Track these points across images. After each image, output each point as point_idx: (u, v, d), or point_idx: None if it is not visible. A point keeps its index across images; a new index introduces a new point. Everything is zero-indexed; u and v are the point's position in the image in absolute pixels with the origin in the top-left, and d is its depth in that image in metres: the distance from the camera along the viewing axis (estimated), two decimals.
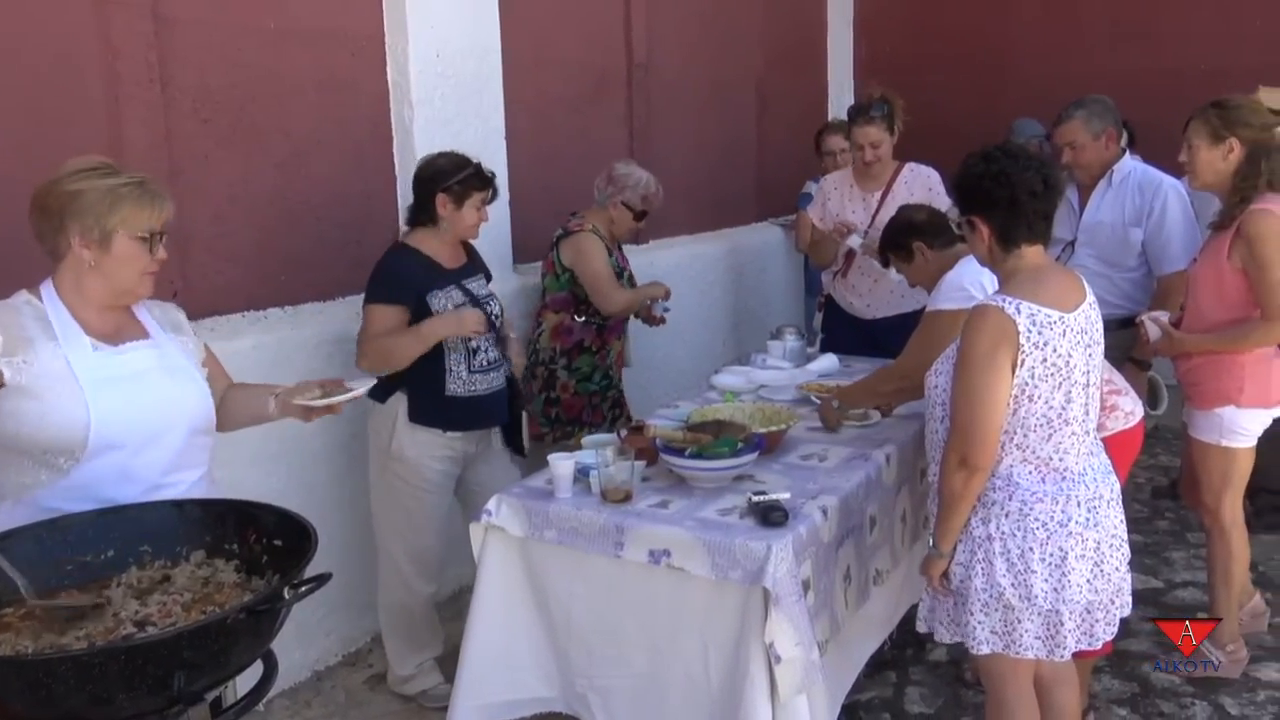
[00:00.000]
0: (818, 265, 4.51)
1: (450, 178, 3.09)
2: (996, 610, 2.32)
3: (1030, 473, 2.29)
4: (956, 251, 3.08)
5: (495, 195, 3.22)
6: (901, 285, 4.10)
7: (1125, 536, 2.40)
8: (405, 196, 3.82)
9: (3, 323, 1.96)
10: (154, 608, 1.74)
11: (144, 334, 2.13)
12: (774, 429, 2.96)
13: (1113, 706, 3.17)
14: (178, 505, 1.99)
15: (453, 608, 3.70)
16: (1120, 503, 2.40)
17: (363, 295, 3.62)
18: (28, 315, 1.99)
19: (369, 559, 3.64)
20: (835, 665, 2.65)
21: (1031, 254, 2.31)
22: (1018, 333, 2.18)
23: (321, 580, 1.73)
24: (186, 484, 2.11)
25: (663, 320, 4.05)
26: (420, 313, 3.06)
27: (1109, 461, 2.44)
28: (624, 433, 2.93)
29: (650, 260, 5.16)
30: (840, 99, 7.19)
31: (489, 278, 3.37)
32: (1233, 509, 3.24)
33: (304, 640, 3.42)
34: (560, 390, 3.90)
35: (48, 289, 2.03)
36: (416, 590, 3.24)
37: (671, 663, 2.49)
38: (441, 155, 3.18)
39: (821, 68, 7.14)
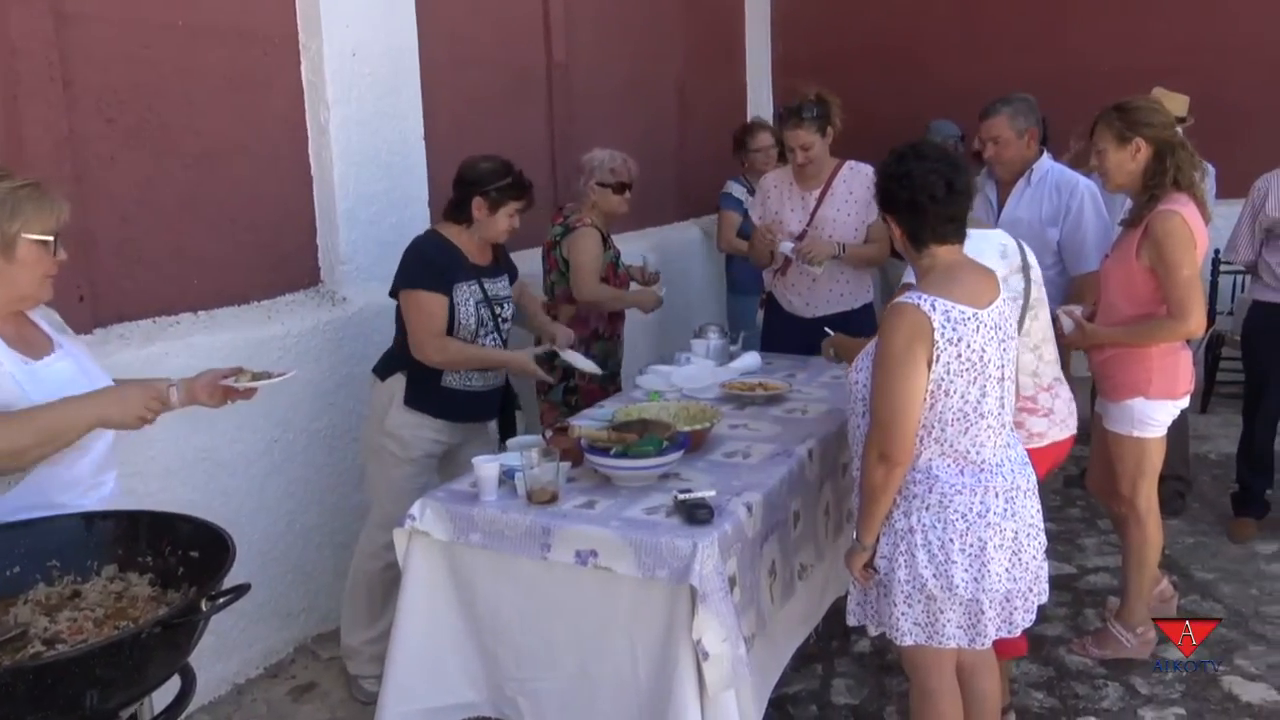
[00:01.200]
0: (756, 264, 4.52)
1: (489, 183, 3.17)
2: (919, 601, 2.37)
3: (949, 466, 2.34)
4: None
5: (531, 204, 3.28)
6: (840, 284, 4.15)
7: (1042, 526, 2.47)
8: (322, 197, 3.78)
9: None
10: (64, 624, 1.69)
11: (48, 340, 2.09)
12: (698, 427, 2.98)
13: (1030, 690, 3.26)
14: (86, 518, 1.93)
15: None
16: (1036, 493, 2.47)
17: (282, 297, 3.56)
18: None
19: (290, 567, 3.59)
20: (762, 660, 2.68)
21: (944, 252, 2.36)
22: (933, 329, 2.23)
23: (240, 591, 1.69)
24: (110, 482, 2.15)
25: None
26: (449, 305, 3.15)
27: (1025, 453, 2.49)
28: (549, 434, 2.92)
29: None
30: (759, 98, 7.28)
31: (514, 278, 3.47)
32: (1148, 497, 3.34)
33: (224, 653, 3.35)
34: (578, 379, 4.01)
35: None
36: (381, 559, 3.25)
37: (600, 663, 2.49)
38: (485, 159, 3.24)
39: (740, 67, 7.20)
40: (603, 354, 4.09)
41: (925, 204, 2.31)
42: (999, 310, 2.35)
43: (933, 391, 2.27)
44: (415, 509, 2.62)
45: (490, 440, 3.44)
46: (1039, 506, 2.46)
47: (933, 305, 2.25)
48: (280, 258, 3.68)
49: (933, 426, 2.31)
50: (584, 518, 2.50)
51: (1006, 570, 2.34)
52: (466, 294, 3.18)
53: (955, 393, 2.28)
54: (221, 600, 1.66)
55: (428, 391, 3.20)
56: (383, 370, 3.27)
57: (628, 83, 5.75)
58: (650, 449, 2.69)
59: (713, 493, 2.54)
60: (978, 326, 2.27)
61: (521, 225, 3.30)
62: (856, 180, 4.16)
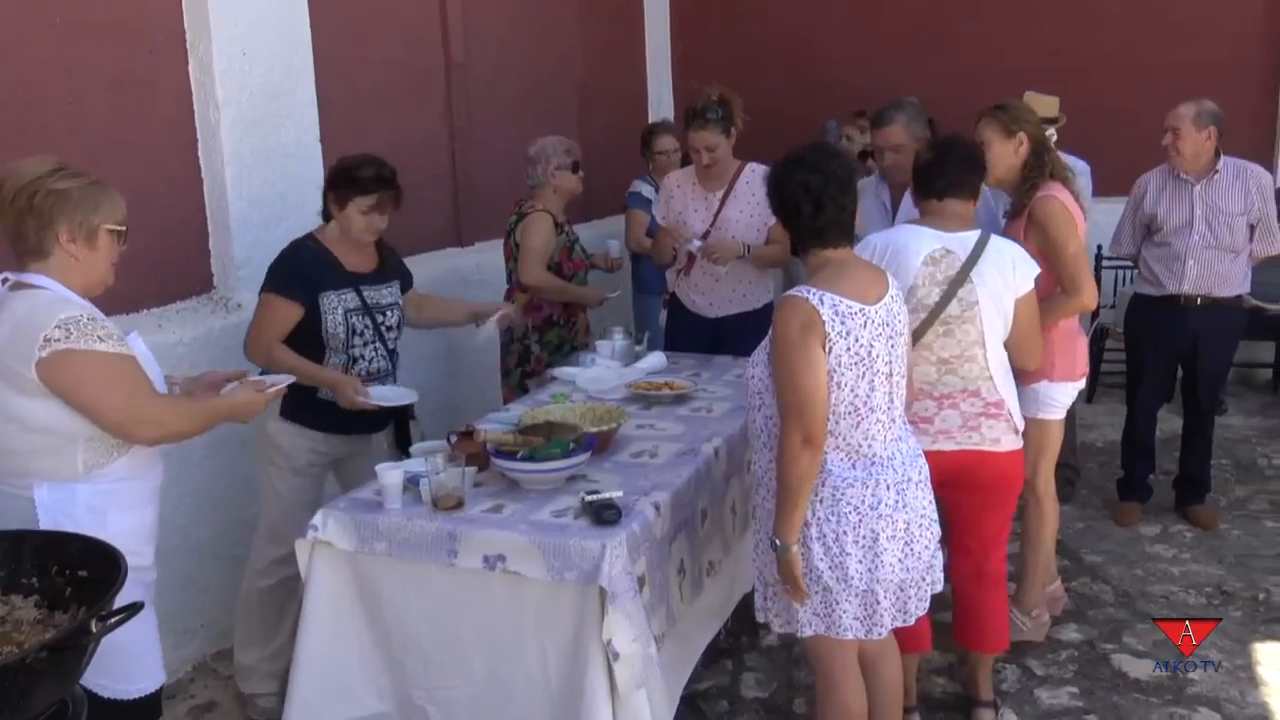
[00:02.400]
0: (658, 264, 4.53)
1: (338, 177, 3.08)
2: (817, 593, 2.41)
3: (841, 459, 2.38)
4: None
5: (391, 203, 3.10)
6: (743, 285, 4.18)
7: (935, 516, 2.53)
8: (213, 201, 3.68)
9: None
10: None
11: None
12: (605, 428, 2.98)
13: (932, 676, 3.35)
14: None
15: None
16: (928, 484, 2.52)
17: (173, 305, 3.45)
18: None
19: (186, 583, 3.47)
20: (673, 657, 2.70)
21: (831, 252, 2.42)
22: (823, 321, 2.28)
23: (132, 610, 1.63)
24: None
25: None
26: (312, 312, 3.02)
27: (917, 445, 2.55)
28: (454, 438, 2.89)
29: (477, 262, 5.12)
30: (660, 99, 7.32)
31: (407, 285, 3.36)
32: (1046, 478, 3.46)
33: None
34: (534, 363, 4.15)
35: (55, 286, 2.15)
36: (271, 574, 3.17)
37: (510, 667, 2.47)
38: (354, 155, 3.14)
39: (641, 68, 7.23)
40: (558, 340, 4.23)
41: (804, 210, 2.38)
42: (887, 307, 2.40)
43: (825, 384, 2.31)
44: (318, 519, 2.57)
45: (379, 453, 3.26)
46: (931, 497, 2.52)
47: (821, 299, 2.30)
48: (170, 263, 3.56)
49: (827, 419, 2.35)
50: (491, 522, 2.48)
51: (900, 560, 2.40)
52: (336, 302, 3.06)
53: (845, 386, 2.33)
54: (113, 620, 1.60)
55: (303, 402, 3.04)
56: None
57: (528, 83, 5.72)
58: (557, 451, 2.68)
59: (620, 493, 2.55)
60: (865, 321, 2.32)
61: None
62: (759, 181, 4.18)
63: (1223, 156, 4.20)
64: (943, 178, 2.84)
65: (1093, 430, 5.64)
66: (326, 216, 3.16)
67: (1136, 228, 4.43)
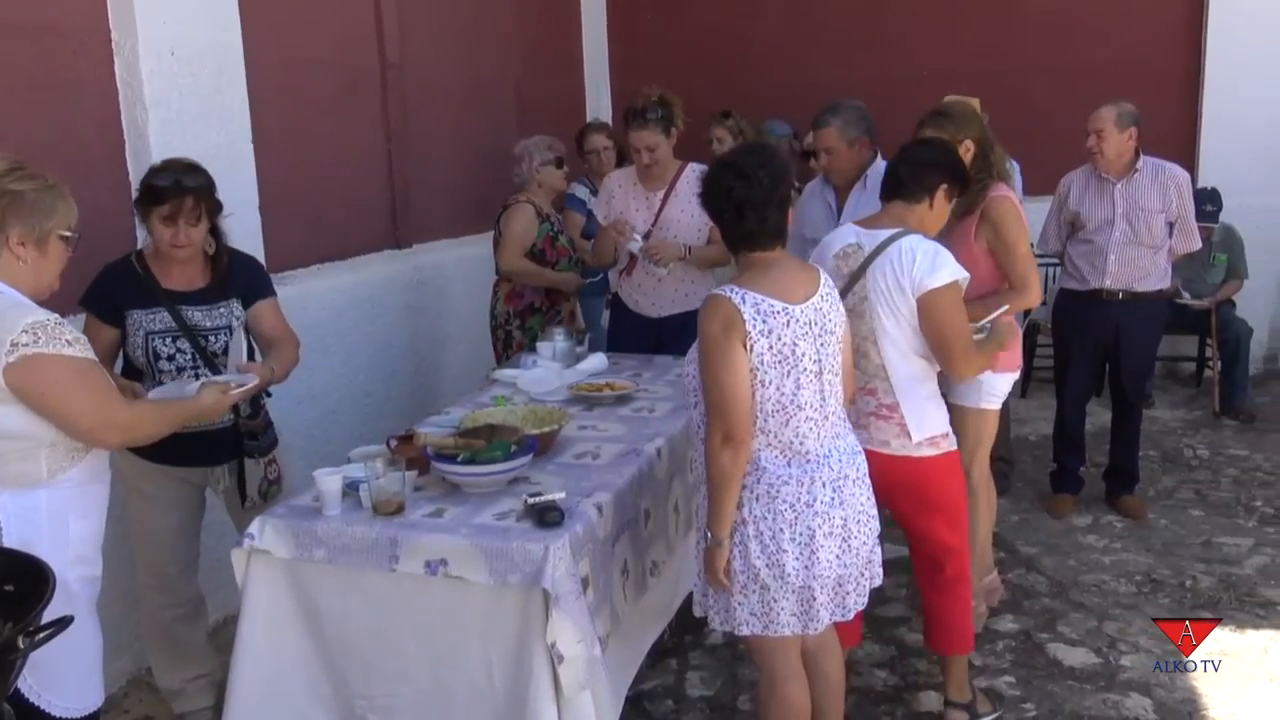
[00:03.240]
0: (597, 264, 4.54)
1: (140, 188, 2.81)
2: (754, 591, 2.42)
3: (775, 457, 2.40)
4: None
5: (192, 210, 2.75)
6: (686, 284, 4.18)
7: (874, 512, 2.55)
8: None
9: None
10: None
11: None
12: (547, 430, 2.97)
13: (873, 670, 3.39)
14: None
15: (223, 635, 3.49)
16: (867, 480, 2.54)
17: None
18: None
19: (119, 595, 3.38)
20: (617, 658, 2.70)
21: (760, 254, 2.43)
22: (743, 319, 2.31)
23: (61, 625, 1.59)
24: None
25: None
26: (122, 332, 2.86)
27: (857, 443, 2.57)
28: (393, 442, 2.86)
29: (415, 264, 5.08)
30: (598, 100, 7.32)
31: (254, 299, 2.99)
32: (983, 467, 3.52)
33: None
34: (516, 349, 4.35)
35: (4, 289, 2.09)
36: (155, 600, 3.09)
37: (454, 673, 2.45)
38: (165, 161, 2.86)
39: (578, 69, 7.22)
40: (539, 327, 4.41)
41: (726, 216, 2.41)
42: (815, 306, 2.40)
43: (750, 382, 2.34)
44: (254, 527, 2.53)
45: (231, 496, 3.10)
46: (869, 493, 2.53)
47: (743, 298, 2.33)
48: (98, 267, 3.47)
49: (756, 417, 2.37)
50: (433, 527, 2.46)
51: (837, 557, 2.42)
52: (140, 322, 2.81)
53: (770, 384, 2.35)
54: (41, 636, 1.56)
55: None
56: None
57: (465, 84, 5.68)
58: (498, 454, 2.67)
59: (563, 495, 2.54)
60: (788, 320, 2.34)
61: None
62: (699, 181, 4.21)
63: (1142, 156, 4.33)
64: (888, 180, 2.88)
65: (1026, 424, 5.76)
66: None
67: (1061, 225, 4.55)
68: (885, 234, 2.79)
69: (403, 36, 5.05)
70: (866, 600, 2.58)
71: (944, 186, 2.85)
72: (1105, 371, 4.68)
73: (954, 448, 2.92)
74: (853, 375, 2.62)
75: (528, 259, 4.42)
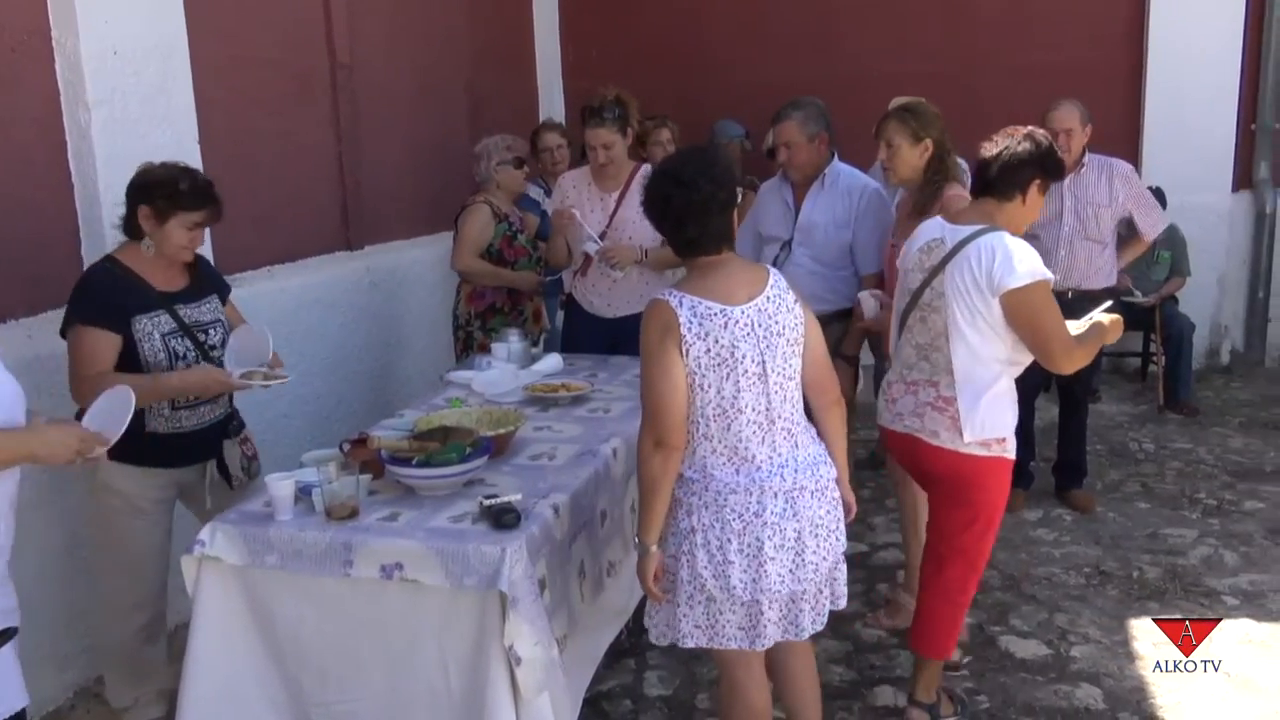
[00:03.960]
0: (553, 264, 4.51)
1: (156, 190, 2.81)
2: (700, 603, 2.38)
3: (723, 464, 2.37)
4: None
5: (216, 217, 2.91)
6: (641, 284, 4.16)
7: (836, 527, 2.45)
8: (85, 205, 3.52)
9: None
10: None
11: None
12: (502, 431, 2.96)
13: (830, 665, 3.42)
14: None
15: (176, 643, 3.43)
16: (829, 493, 2.45)
17: (45, 314, 3.28)
18: None
19: (66, 605, 3.32)
20: (575, 659, 2.70)
21: (707, 258, 2.39)
22: (679, 323, 2.30)
23: (5, 637, 1.55)
24: None
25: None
26: (127, 341, 2.80)
27: (820, 452, 2.47)
28: (346, 446, 2.83)
29: (368, 265, 5.03)
30: (551, 100, 7.30)
31: (224, 297, 3.15)
32: None
33: None
34: (477, 349, 4.32)
35: None
36: (134, 620, 3.04)
37: (411, 677, 2.43)
38: (162, 165, 2.89)
39: (530, 69, 7.20)
40: (501, 327, 4.36)
41: (667, 225, 2.40)
42: (759, 308, 2.35)
43: (690, 386, 2.32)
44: (204, 534, 2.49)
45: (219, 484, 3.11)
46: (831, 506, 2.44)
47: (680, 301, 2.32)
48: (40, 272, 3.39)
49: (699, 421, 2.35)
50: (387, 530, 2.44)
51: (790, 572, 2.35)
52: (150, 327, 2.84)
53: (710, 387, 2.32)
54: None
55: (130, 440, 2.57)
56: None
57: (416, 84, 5.64)
58: (453, 456, 2.65)
59: (519, 496, 2.53)
60: (726, 323, 2.32)
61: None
62: None
63: (1087, 153, 4.41)
64: (978, 177, 2.84)
65: None
66: (127, 231, 2.88)
67: None
68: (968, 230, 2.74)
69: (353, 36, 5.00)
70: (824, 622, 2.50)
71: (1037, 181, 2.80)
72: None
73: (1007, 454, 2.85)
74: (832, 378, 2.54)
75: (485, 260, 4.40)
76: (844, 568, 2.53)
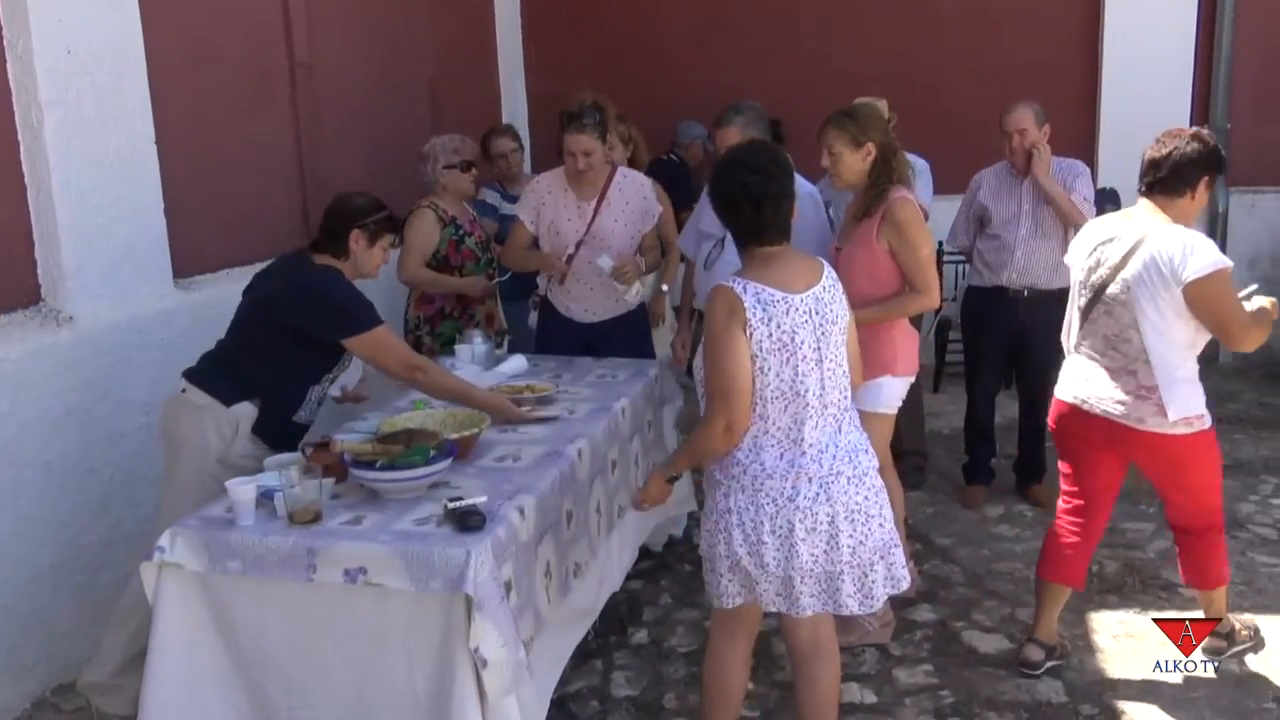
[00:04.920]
0: (512, 267, 4.44)
1: (367, 215, 3.11)
2: (740, 572, 2.51)
3: (773, 445, 2.47)
4: None
5: (401, 241, 3.23)
6: (619, 289, 4.08)
7: (877, 511, 2.52)
8: (38, 206, 3.45)
9: None
10: None
11: None
12: (466, 433, 2.94)
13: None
14: None
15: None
16: (867, 479, 2.53)
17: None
18: None
19: (24, 615, 3.27)
20: (542, 661, 2.69)
21: (767, 248, 2.50)
22: (745, 307, 2.39)
23: None
24: None
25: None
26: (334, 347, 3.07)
27: (861, 440, 2.58)
28: (309, 450, 2.80)
29: None
30: (513, 100, 7.28)
31: None
32: (888, 471, 3.50)
33: None
34: (426, 354, 4.13)
35: None
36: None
37: (376, 682, 2.42)
38: (358, 194, 3.18)
39: (493, 68, 7.17)
40: (452, 333, 4.36)
41: (744, 211, 2.48)
42: (816, 296, 2.47)
43: (752, 370, 2.41)
44: (164, 540, 2.45)
45: None
46: (871, 493, 2.52)
47: (744, 288, 2.41)
48: None
49: (756, 403, 2.44)
50: (351, 534, 2.42)
51: (825, 553, 2.46)
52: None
53: (770, 371, 2.42)
54: None
55: (279, 423, 3.07)
56: (227, 395, 2.99)
57: (377, 83, 5.59)
58: (418, 459, 2.63)
59: (484, 498, 2.52)
60: (788, 309, 2.41)
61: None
62: (631, 188, 4.16)
63: None
64: (1147, 175, 3.08)
65: (940, 418, 5.89)
66: (330, 250, 3.10)
67: (970, 221, 4.67)
68: (1144, 227, 2.98)
69: (312, 34, 4.95)
70: (877, 605, 2.56)
71: (1205, 178, 3.03)
72: (1013, 365, 4.81)
73: (1207, 427, 3.07)
74: (859, 367, 2.68)
75: (431, 265, 4.33)
76: (898, 553, 2.59)
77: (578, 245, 4.08)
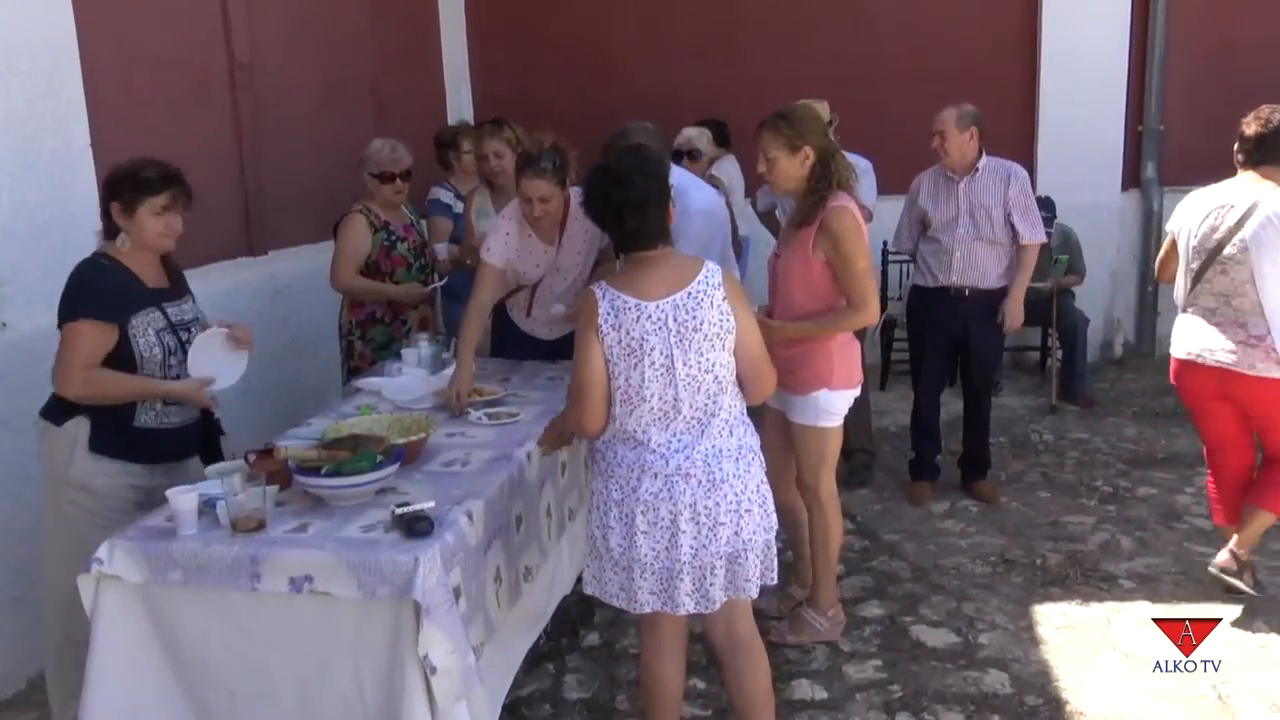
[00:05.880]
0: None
1: (120, 183, 2.84)
2: (606, 559, 2.58)
3: (621, 442, 2.55)
4: None
5: (187, 200, 2.92)
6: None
7: (729, 520, 2.50)
8: None
9: None
10: None
11: None
12: (414, 438, 2.92)
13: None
14: None
15: None
16: (724, 486, 2.50)
17: None
18: None
19: (11, 596, 3.17)
20: (493, 666, 2.67)
21: (644, 253, 2.53)
22: (598, 313, 2.47)
23: None
24: None
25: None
26: (121, 337, 2.81)
27: (732, 446, 2.54)
28: (251, 457, 2.75)
29: (272, 271, 4.92)
30: (458, 102, 7.23)
31: (193, 299, 3.14)
32: (829, 484, 3.50)
33: None
34: (358, 360, 4.26)
35: None
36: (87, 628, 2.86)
37: (323, 692, 2.38)
38: (133, 160, 2.89)
39: (437, 70, 7.12)
40: (383, 337, 4.32)
41: (609, 221, 2.55)
42: (675, 303, 2.46)
43: (606, 372, 2.50)
44: (103, 551, 2.40)
45: (192, 477, 3.04)
46: (723, 500, 2.50)
47: (603, 294, 2.49)
48: None
49: (610, 402, 2.52)
50: (296, 542, 2.38)
51: (665, 549, 2.51)
52: (145, 323, 2.86)
53: (619, 375, 2.49)
54: None
55: (117, 433, 2.84)
56: (57, 415, 2.84)
57: (319, 84, 5.52)
58: (364, 464, 2.60)
59: (432, 504, 2.50)
60: (639, 316, 2.46)
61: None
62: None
63: (984, 155, 4.53)
64: (1257, 146, 3.44)
65: (886, 416, 5.96)
66: (110, 233, 2.88)
67: (913, 223, 4.73)
68: (1256, 193, 3.39)
69: (252, 35, 4.88)
70: (713, 605, 2.55)
71: None
72: (957, 363, 4.88)
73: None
74: (766, 374, 2.61)
75: (363, 271, 4.24)
76: (751, 558, 2.56)
77: (540, 279, 3.91)
